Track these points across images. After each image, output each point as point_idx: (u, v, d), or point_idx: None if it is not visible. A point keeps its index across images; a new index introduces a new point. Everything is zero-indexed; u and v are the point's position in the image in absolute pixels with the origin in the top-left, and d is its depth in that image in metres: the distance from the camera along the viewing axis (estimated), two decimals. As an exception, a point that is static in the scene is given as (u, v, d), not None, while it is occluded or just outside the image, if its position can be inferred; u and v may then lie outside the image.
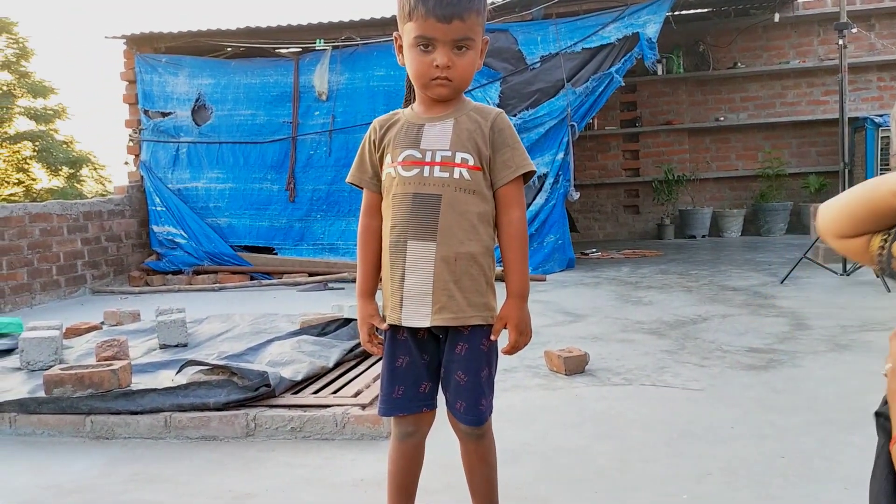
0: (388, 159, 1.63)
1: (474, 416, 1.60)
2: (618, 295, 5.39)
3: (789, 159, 9.95)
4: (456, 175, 1.55)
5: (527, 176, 1.61)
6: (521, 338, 1.59)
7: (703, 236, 9.86)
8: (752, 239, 9.45)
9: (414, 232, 1.56)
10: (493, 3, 7.00)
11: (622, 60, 6.81)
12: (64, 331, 4.26)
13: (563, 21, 6.95)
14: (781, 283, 5.53)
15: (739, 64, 9.82)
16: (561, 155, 6.92)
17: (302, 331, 3.68)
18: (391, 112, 1.70)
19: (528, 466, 2.22)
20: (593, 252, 8.36)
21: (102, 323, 4.78)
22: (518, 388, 3.05)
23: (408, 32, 1.54)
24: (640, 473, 2.13)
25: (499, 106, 6.92)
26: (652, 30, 6.75)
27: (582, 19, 6.93)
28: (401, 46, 1.59)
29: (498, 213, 1.59)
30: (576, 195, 6.95)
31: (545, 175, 6.93)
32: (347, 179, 1.72)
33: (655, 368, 3.26)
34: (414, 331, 1.60)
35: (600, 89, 6.85)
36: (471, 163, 1.55)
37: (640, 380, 3.09)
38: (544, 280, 6.31)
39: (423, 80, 1.55)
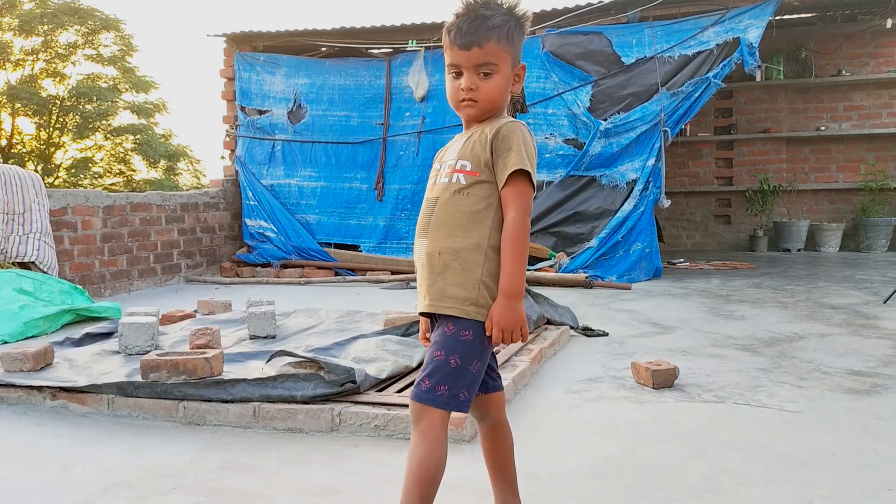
0: None
1: (415, 391, 1.63)
2: (707, 307, 5.21)
3: (894, 172, 9.44)
4: (454, 179, 1.66)
5: (539, 182, 1.66)
6: (505, 334, 1.59)
7: (799, 250, 9.46)
8: (851, 255, 9.00)
9: (418, 232, 1.72)
10: (588, 5, 6.90)
11: (720, 65, 6.61)
12: (160, 317, 4.42)
13: (659, 24, 6.79)
14: (884, 302, 5.23)
15: (844, 71, 9.37)
16: (652, 161, 6.77)
17: (386, 331, 3.70)
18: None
19: (615, 482, 2.15)
20: (681, 262, 8.14)
21: (196, 311, 4.93)
22: (603, 400, 2.98)
23: (445, 62, 1.72)
24: (734, 497, 2.04)
25: (589, 110, 6.84)
26: (754, 35, 6.52)
27: (679, 23, 6.76)
28: None
29: None
30: (666, 202, 6.79)
31: (634, 181, 6.80)
32: None
33: (749, 387, 3.13)
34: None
35: (696, 94, 6.66)
36: (468, 168, 1.66)
37: (733, 398, 2.97)
38: (629, 289, 6.18)
39: (454, 102, 1.72)
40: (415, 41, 7.37)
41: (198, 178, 19.42)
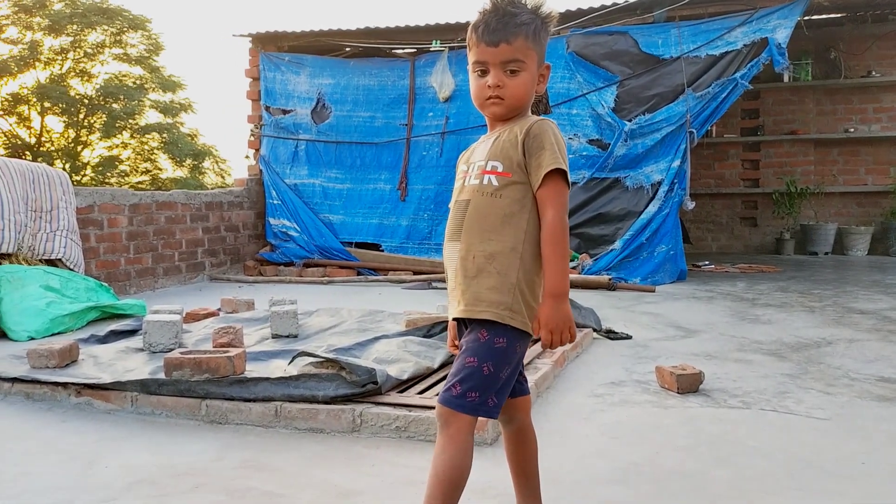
0: None
1: (444, 395, 1.60)
2: (733, 311, 5.15)
3: (927, 175, 9.27)
4: (485, 181, 1.65)
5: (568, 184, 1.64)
6: (554, 336, 1.58)
7: (826, 253, 9.32)
8: (879, 259, 8.85)
9: (449, 235, 1.69)
10: (614, 5, 6.85)
11: (748, 66, 6.53)
12: (184, 315, 4.45)
13: (686, 24, 6.73)
14: (916, 308, 5.14)
15: (874, 73, 9.22)
16: (677, 162, 6.71)
17: (408, 332, 3.69)
18: None
19: (639, 489, 2.13)
20: (706, 265, 8.05)
21: (219, 310, 4.97)
22: (626, 404, 2.95)
23: (469, 61, 1.71)
24: (760, 505, 2.01)
25: (614, 110, 6.79)
26: (782, 35, 6.43)
27: (706, 23, 6.69)
28: None
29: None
30: (690, 204, 6.72)
31: (659, 183, 6.74)
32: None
33: (776, 393, 3.08)
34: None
35: (723, 95, 6.59)
36: (500, 169, 1.64)
37: (760, 404, 2.92)
38: (654, 291, 6.13)
39: (479, 100, 1.70)
40: (439, 41, 7.37)
41: (222, 178, 19.56)
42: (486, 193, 1.63)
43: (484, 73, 1.67)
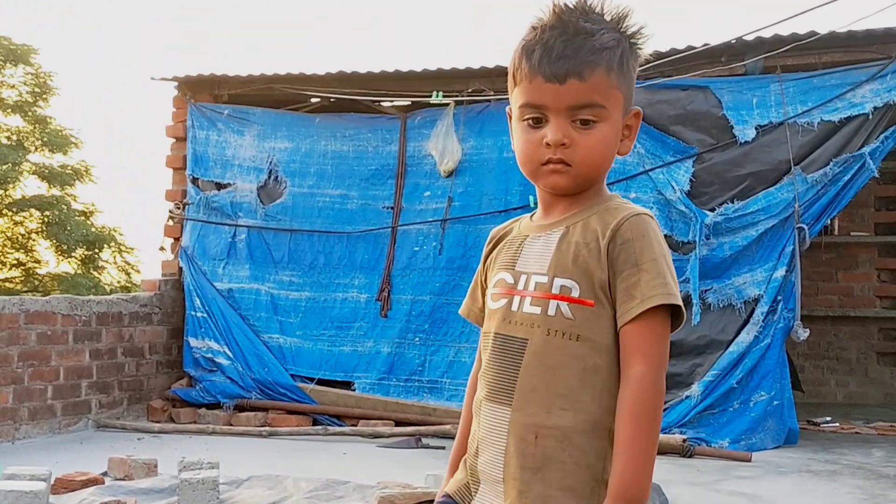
0: (488, 284, 1.73)
1: None
2: (868, 495, 5.08)
3: None
4: (551, 311, 1.55)
5: (676, 317, 1.54)
6: None
7: None
8: None
9: (489, 389, 1.61)
10: (688, 49, 7.05)
11: (880, 138, 6.66)
12: (52, 483, 4.39)
13: (791, 78, 6.90)
14: None
15: None
16: (781, 271, 6.74)
17: (380, 515, 3.65)
18: (517, 217, 1.78)
19: None
20: (826, 422, 7.97)
21: (105, 474, 4.91)
22: None
23: (514, 102, 1.64)
24: None
25: (690, 195, 6.88)
26: (930, 94, 6.59)
27: (820, 76, 6.86)
28: None
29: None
30: (803, 334, 6.71)
31: (756, 300, 6.76)
32: (460, 310, 1.85)
33: None
34: None
35: (846, 178, 6.69)
36: (574, 294, 1.55)
37: None
38: (749, 460, 6.05)
39: (531, 165, 1.61)
40: (441, 93, 7.55)
41: (128, 275, 19.63)
42: (557, 332, 1.54)
43: (539, 122, 1.58)
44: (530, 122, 1.59)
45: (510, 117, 1.67)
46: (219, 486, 4.09)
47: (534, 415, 1.53)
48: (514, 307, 1.60)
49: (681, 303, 1.52)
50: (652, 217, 1.59)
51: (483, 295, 1.75)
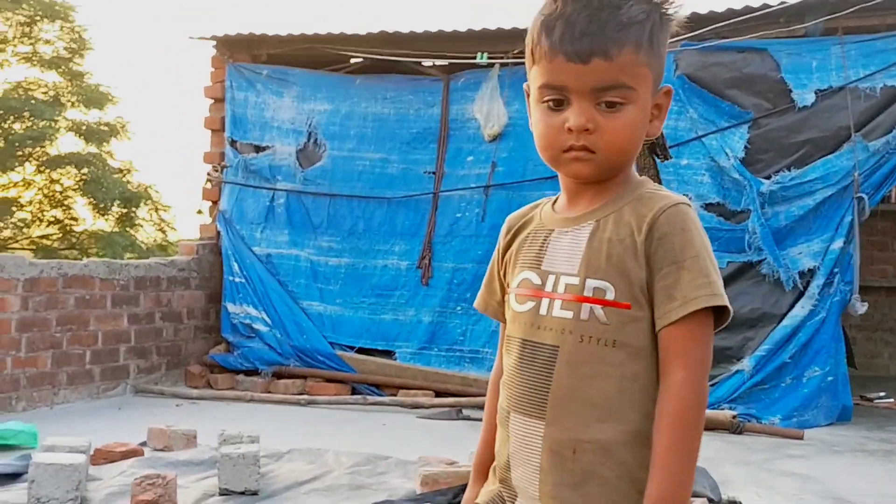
0: (510, 281, 1.62)
1: None
2: (924, 477, 5.00)
3: None
4: (584, 315, 1.46)
5: (720, 316, 1.45)
6: None
7: None
8: None
9: (517, 400, 1.52)
10: (746, 10, 6.90)
11: (947, 104, 6.51)
12: (92, 454, 4.42)
13: (853, 40, 6.77)
14: None
15: None
16: (839, 243, 6.64)
17: (424, 497, 3.63)
18: (535, 202, 1.66)
19: None
20: (880, 397, 7.88)
21: (144, 444, 4.94)
22: None
23: (532, 81, 1.53)
24: None
25: (744, 162, 6.78)
26: None
27: (884, 38, 6.71)
28: None
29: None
30: (861, 307, 6.62)
31: (811, 272, 6.68)
32: (475, 304, 1.75)
33: None
34: None
35: (909, 146, 6.56)
36: (609, 296, 1.45)
37: None
38: (801, 438, 5.99)
39: (551, 151, 1.51)
40: (486, 54, 7.46)
41: (163, 233, 19.74)
42: (591, 338, 1.46)
43: (560, 104, 1.48)
44: (550, 104, 1.49)
45: (528, 95, 1.56)
46: (259, 460, 4.09)
47: (570, 429, 1.45)
48: (543, 311, 1.51)
49: (727, 302, 1.43)
50: (690, 205, 1.49)
51: (501, 289, 1.66)
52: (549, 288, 1.51)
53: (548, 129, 1.49)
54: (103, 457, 4.53)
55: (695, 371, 1.42)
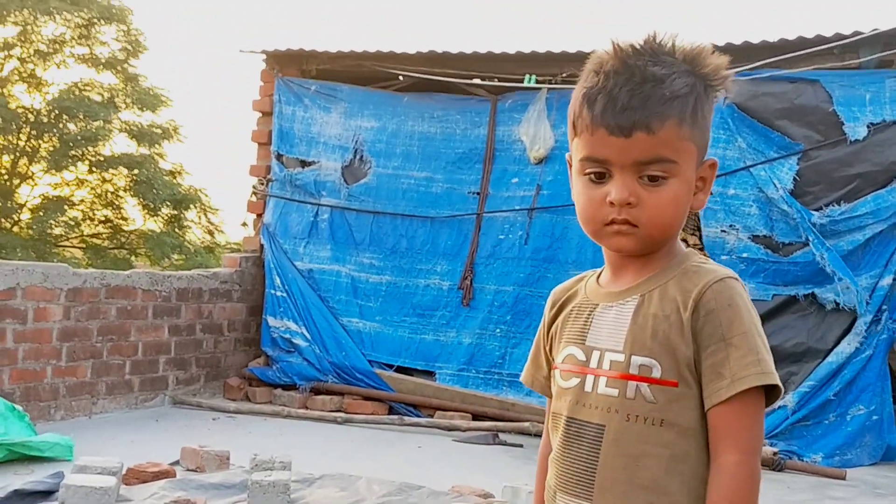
0: (555, 356, 1.60)
1: None
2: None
3: None
4: (630, 393, 1.44)
5: (771, 394, 1.42)
6: None
7: None
8: None
9: (563, 481, 1.50)
10: (800, 41, 6.83)
11: None
12: (124, 473, 4.46)
13: (908, 74, 6.66)
14: None
15: None
16: (888, 279, 6.57)
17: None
18: (580, 275, 1.66)
19: None
20: (928, 436, 7.74)
21: (177, 463, 4.98)
22: None
23: (574, 153, 1.52)
24: None
25: (793, 194, 6.69)
26: None
27: (940, 73, 6.60)
28: None
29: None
30: (909, 347, 6.52)
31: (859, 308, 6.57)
32: (521, 377, 1.73)
33: None
34: None
35: (963, 182, 6.47)
36: (655, 373, 1.43)
37: None
38: (843, 478, 5.92)
39: (593, 224, 1.50)
40: (535, 77, 7.45)
41: (211, 235, 19.94)
42: (637, 417, 1.44)
43: (602, 177, 1.47)
44: (592, 176, 1.48)
45: (570, 165, 1.55)
46: (289, 487, 4.10)
47: None
48: (588, 388, 1.49)
49: (777, 381, 1.41)
50: (737, 279, 1.47)
51: (547, 363, 1.65)
52: (593, 364, 1.50)
53: (589, 201, 1.49)
54: (135, 476, 4.56)
55: (748, 452, 1.40)
